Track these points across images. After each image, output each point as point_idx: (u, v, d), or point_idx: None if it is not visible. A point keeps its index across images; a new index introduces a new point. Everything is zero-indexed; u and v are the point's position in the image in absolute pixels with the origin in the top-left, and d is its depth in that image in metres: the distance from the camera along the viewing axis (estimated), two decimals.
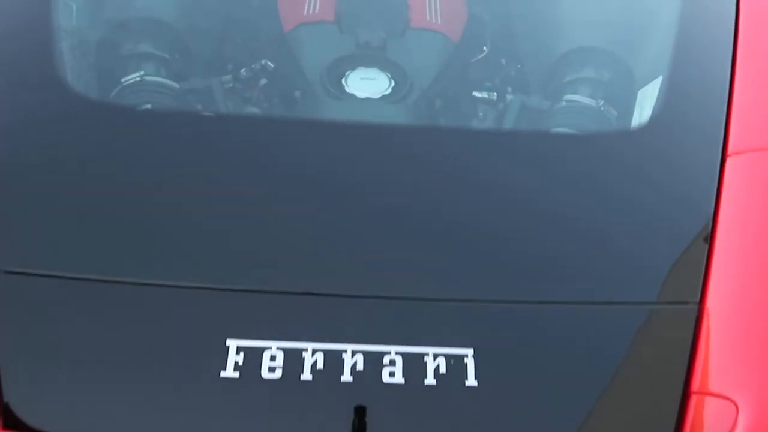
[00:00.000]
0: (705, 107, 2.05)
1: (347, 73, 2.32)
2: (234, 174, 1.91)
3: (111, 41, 2.30)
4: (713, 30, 2.20)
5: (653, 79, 2.18)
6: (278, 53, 2.42)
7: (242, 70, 2.37)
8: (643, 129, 2.07)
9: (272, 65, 2.38)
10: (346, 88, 2.30)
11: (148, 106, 2.17)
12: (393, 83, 2.31)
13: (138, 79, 2.23)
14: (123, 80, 2.23)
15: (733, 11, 2.22)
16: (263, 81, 2.36)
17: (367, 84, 2.31)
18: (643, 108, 2.16)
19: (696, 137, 2.02)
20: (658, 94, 2.09)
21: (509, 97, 2.36)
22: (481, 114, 2.34)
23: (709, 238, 1.87)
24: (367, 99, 2.29)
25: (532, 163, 1.97)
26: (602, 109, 2.25)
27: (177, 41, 2.35)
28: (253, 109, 2.33)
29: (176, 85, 2.26)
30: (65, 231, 1.82)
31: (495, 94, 2.38)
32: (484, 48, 2.50)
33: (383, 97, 2.29)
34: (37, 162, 1.91)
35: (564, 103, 2.27)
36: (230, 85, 2.35)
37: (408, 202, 1.89)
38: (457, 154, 1.98)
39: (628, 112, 2.20)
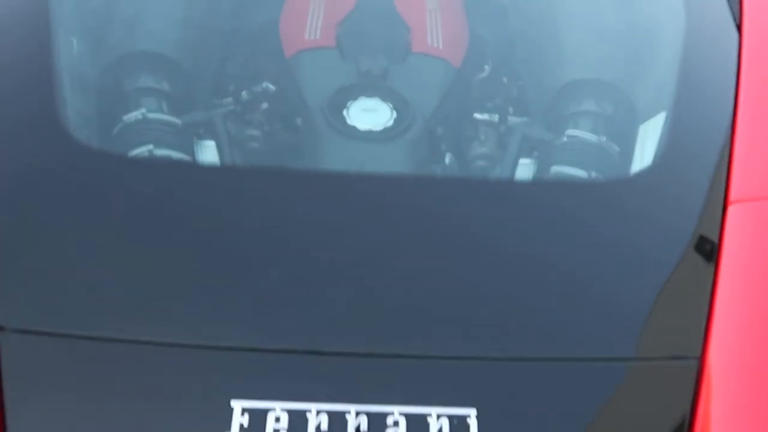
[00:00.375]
0: (706, 153, 2.05)
1: (348, 104, 2.32)
2: (238, 230, 1.91)
3: (112, 76, 2.29)
4: (716, 69, 2.19)
5: (655, 115, 2.17)
6: (279, 81, 2.41)
7: (243, 92, 2.37)
8: (643, 176, 2.07)
9: (273, 94, 2.38)
10: (348, 120, 2.30)
11: (150, 147, 2.16)
12: (395, 114, 2.31)
13: (140, 116, 2.23)
14: (124, 118, 2.23)
15: (736, 49, 2.22)
16: (264, 108, 2.36)
17: (369, 115, 2.31)
18: (645, 146, 2.15)
19: (696, 184, 2.01)
20: (660, 137, 2.08)
21: (511, 125, 2.36)
22: (482, 140, 2.34)
23: (710, 290, 1.87)
24: (369, 131, 2.28)
25: (531, 215, 1.97)
26: (604, 145, 2.25)
27: (178, 73, 2.35)
28: (254, 132, 2.32)
29: (178, 121, 2.25)
30: (68, 288, 1.83)
31: (496, 116, 2.38)
32: (486, 68, 2.50)
33: (385, 129, 2.29)
34: (39, 217, 1.91)
35: (566, 138, 2.27)
36: (231, 107, 2.35)
37: (408, 258, 1.89)
38: (456, 206, 1.97)
39: (630, 148, 2.20)
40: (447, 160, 2.31)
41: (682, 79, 2.16)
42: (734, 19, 2.29)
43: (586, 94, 2.33)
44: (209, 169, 2.15)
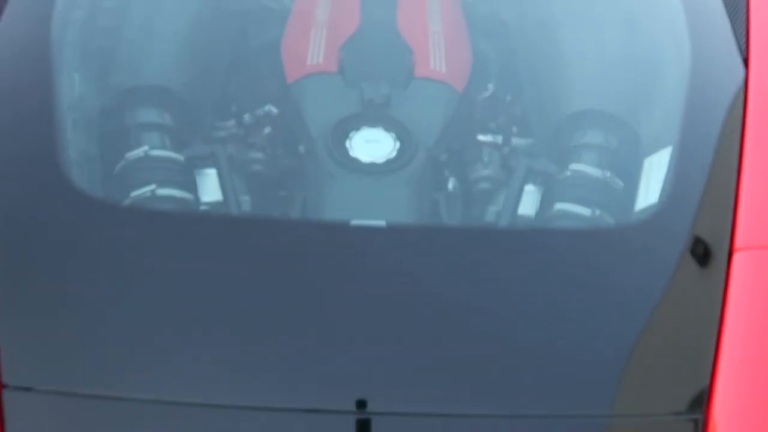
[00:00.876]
0: (711, 199, 2.02)
1: (351, 135, 2.30)
2: (242, 284, 1.90)
3: (114, 112, 2.28)
4: (722, 106, 2.17)
5: (658, 153, 2.15)
6: (282, 110, 2.39)
7: (245, 123, 2.36)
8: (644, 222, 2.04)
9: (276, 125, 2.37)
10: (350, 152, 2.27)
11: (153, 186, 2.15)
12: (398, 145, 2.29)
13: (142, 154, 2.21)
14: (127, 155, 2.21)
15: (742, 84, 2.20)
16: (268, 140, 2.35)
17: (372, 147, 2.28)
18: (649, 185, 2.13)
19: (700, 231, 1.99)
20: (663, 180, 2.06)
21: (515, 156, 2.34)
22: (485, 172, 2.32)
23: (716, 342, 1.86)
24: (372, 164, 2.26)
25: (531, 266, 1.95)
26: (608, 180, 2.23)
27: (181, 106, 2.33)
28: (258, 166, 2.31)
29: (180, 157, 2.24)
30: (71, 346, 1.83)
31: (500, 144, 2.37)
32: (489, 93, 2.48)
33: (388, 161, 2.27)
34: (42, 272, 1.90)
35: (569, 173, 2.25)
36: (234, 140, 2.34)
37: (409, 314, 1.88)
38: (457, 256, 1.96)
39: (634, 185, 2.18)
40: (449, 191, 2.29)
41: (687, 117, 2.14)
42: (741, 54, 2.26)
43: (590, 126, 2.31)
44: (209, 219, 2.13)
